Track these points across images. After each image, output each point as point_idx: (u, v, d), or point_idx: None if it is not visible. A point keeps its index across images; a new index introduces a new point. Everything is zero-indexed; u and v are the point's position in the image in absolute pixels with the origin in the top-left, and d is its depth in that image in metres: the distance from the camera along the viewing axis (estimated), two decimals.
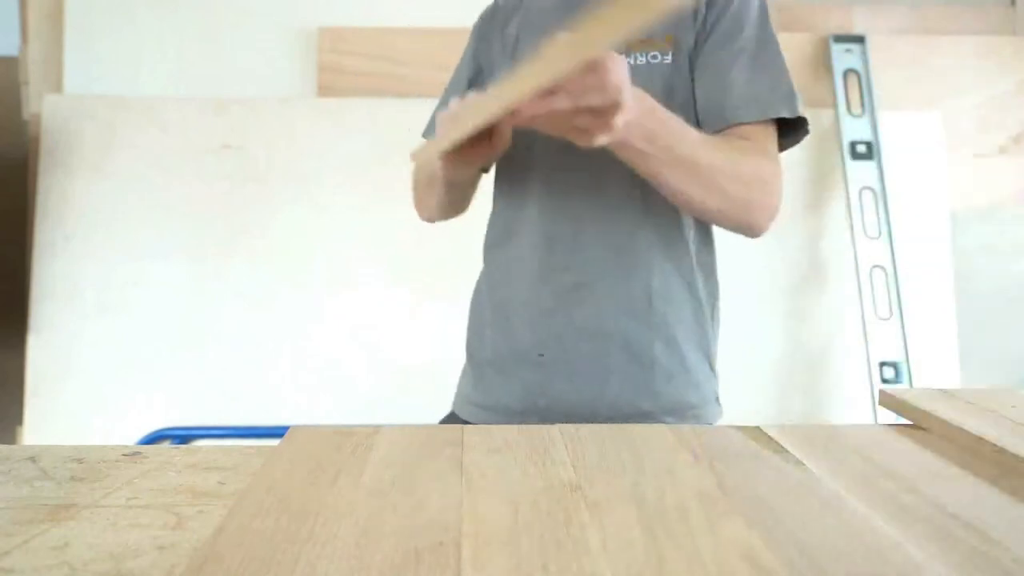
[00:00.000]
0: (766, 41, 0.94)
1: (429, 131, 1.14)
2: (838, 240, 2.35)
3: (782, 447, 0.70)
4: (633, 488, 0.59)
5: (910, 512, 0.56)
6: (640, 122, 0.77)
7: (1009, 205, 2.45)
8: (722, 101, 0.91)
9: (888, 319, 2.24)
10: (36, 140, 2.32)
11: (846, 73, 2.37)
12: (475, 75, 1.10)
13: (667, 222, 0.98)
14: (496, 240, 1.08)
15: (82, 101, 2.34)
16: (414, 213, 1.15)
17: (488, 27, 1.11)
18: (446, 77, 1.18)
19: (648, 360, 0.97)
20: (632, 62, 0.93)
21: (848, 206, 2.29)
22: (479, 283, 1.12)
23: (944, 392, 0.85)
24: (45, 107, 2.32)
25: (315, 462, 0.66)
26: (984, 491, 0.61)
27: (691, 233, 1.00)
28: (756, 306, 2.34)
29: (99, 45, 2.39)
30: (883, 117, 2.36)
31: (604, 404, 0.97)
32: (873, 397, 2.19)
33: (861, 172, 2.30)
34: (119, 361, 2.26)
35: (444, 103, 1.12)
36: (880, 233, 2.28)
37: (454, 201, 1.06)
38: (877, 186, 2.29)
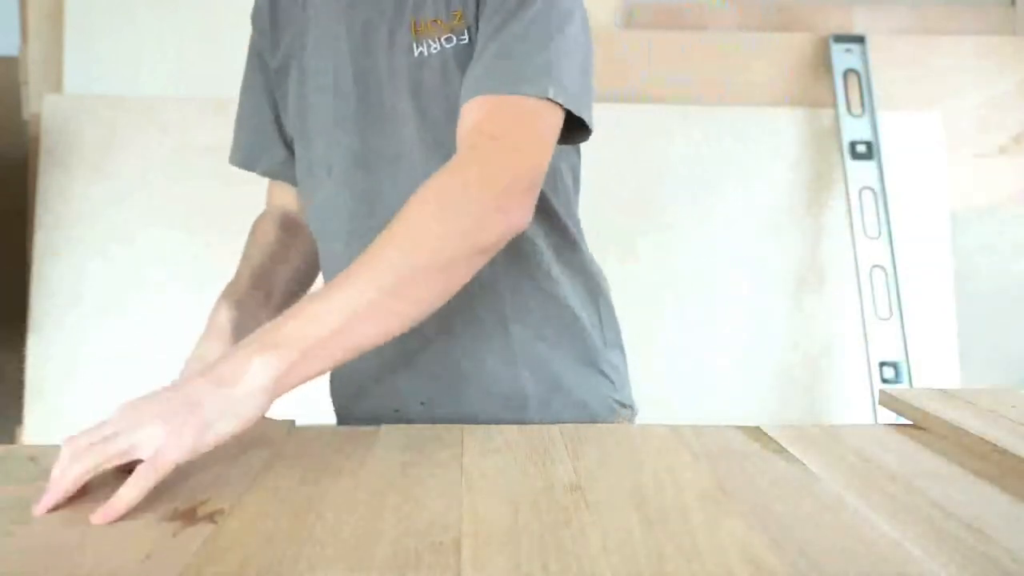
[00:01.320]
0: (550, 17, 0.77)
1: (238, 157, 1.03)
2: (838, 240, 2.35)
3: (782, 447, 0.70)
4: (633, 488, 0.60)
5: (910, 512, 0.56)
6: (284, 374, 0.63)
7: (1009, 205, 2.44)
8: (475, 74, 0.76)
9: (888, 319, 2.24)
10: (36, 140, 2.32)
11: (846, 73, 2.37)
12: (269, 78, 0.97)
13: (515, 256, 0.84)
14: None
15: (82, 101, 2.34)
16: None
17: (276, 10, 0.94)
18: None
19: (518, 396, 0.87)
20: (425, 52, 0.80)
21: (848, 206, 2.29)
22: None
23: (944, 392, 0.85)
24: (45, 107, 2.32)
25: (315, 462, 0.66)
26: (984, 491, 0.61)
27: (541, 239, 0.87)
28: (756, 306, 2.34)
29: (99, 45, 2.39)
30: (883, 117, 2.36)
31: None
32: (873, 397, 2.19)
33: (861, 172, 2.30)
34: (119, 361, 2.25)
35: (245, 118, 1.01)
36: (880, 233, 2.28)
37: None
38: (877, 186, 2.29)
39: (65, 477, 0.56)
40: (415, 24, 0.81)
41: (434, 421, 0.81)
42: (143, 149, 2.31)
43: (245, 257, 0.96)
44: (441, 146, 0.81)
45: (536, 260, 0.87)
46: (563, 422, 0.80)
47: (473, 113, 0.75)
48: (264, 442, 0.71)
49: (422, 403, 0.89)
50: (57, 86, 2.39)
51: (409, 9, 0.82)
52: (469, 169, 0.72)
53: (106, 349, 2.25)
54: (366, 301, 0.66)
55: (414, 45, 0.81)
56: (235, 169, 1.08)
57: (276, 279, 0.94)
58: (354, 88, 0.85)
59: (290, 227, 1.00)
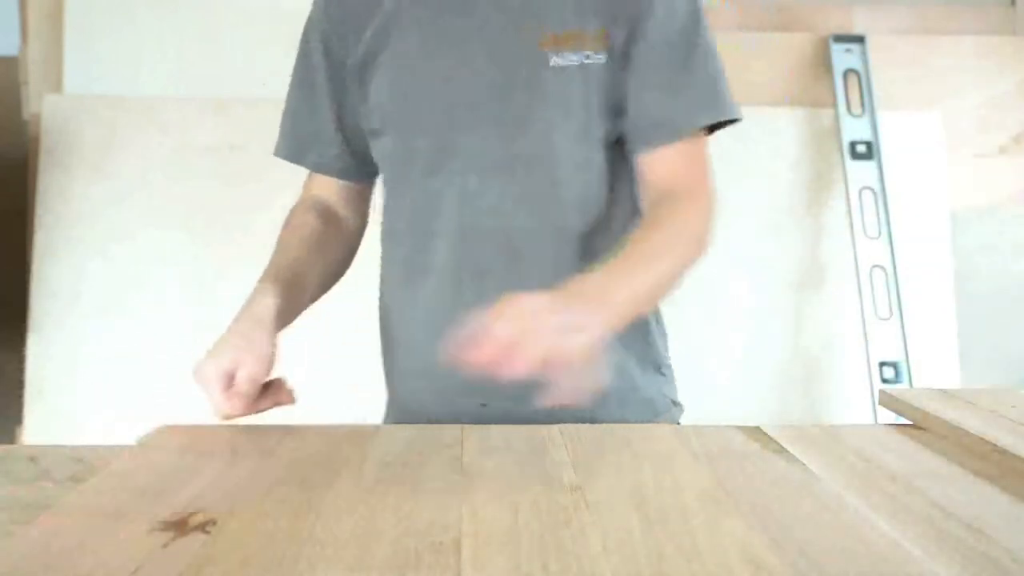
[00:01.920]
0: (695, 43, 0.85)
1: (285, 149, 1.04)
2: (838, 240, 2.35)
3: (782, 447, 0.70)
4: (633, 488, 0.60)
5: (910, 512, 0.56)
6: (614, 314, 0.73)
7: (1009, 205, 2.44)
8: (659, 113, 0.84)
9: (888, 319, 2.24)
10: (36, 140, 2.31)
11: (846, 73, 2.37)
12: (333, 71, 0.96)
13: (607, 243, 0.89)
14: (400, 281, 0.98)
15: (82, 101, 2.34)
16: None
17: (348, 6, 0.94)
18: None
19: (598, 393, 0.91)
20: (561, 62, 0.84)
21: (848, 206, 2.29)
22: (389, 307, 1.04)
23: (944, 392, 0.85)
24: (45, 107, 2.32)
25: (315, 462, 0.66)
26: (984, 491, 0.61)
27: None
28: (756, 306, 2.34)
29: (99, 45, 2.39)
30: (883, 117, 2.36)
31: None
32: (873, 397, 2.19)
33: (861, 172, 2.30)
34: (119, 361, 2.25)
35: (298, 110, 1.01)
36: (880, 233, 2.28)
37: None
38: (877, 186, 2.29)
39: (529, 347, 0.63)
40: (554, 36, 0.84)
41: (518, 420, 0.82)
42: (143, 149, 2.31)
43: (283, 246, 0.97)
44: (571, 157, 0.86)
45: None
46: (629, 421, 0.87)
47: (671, 162, 0.86)
48: (257, 449, 0.71)
49: (511, 399, 0.87)
50: (57, 86, 2.39)
51: (546, 19, 0.84)
52: (704, 203, 0.85)
53: (106, 349, 2.25)
54: (667, 264, 0.80)
55: (552, 56, 0.84)
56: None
57: (313, 271, 0.97)
58: (486, 93, 0.86)
59: (329, 218, 1.01)
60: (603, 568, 0.46)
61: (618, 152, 0.89)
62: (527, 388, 0.83)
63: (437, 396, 0.94)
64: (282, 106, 1.07)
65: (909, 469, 0.65)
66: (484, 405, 0.89)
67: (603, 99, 0.85)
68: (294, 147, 1.02)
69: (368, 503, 0.57)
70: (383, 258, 1.01)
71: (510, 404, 0.87)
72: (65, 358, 2.24)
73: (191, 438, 0.73)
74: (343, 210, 1.02)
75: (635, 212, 0.92)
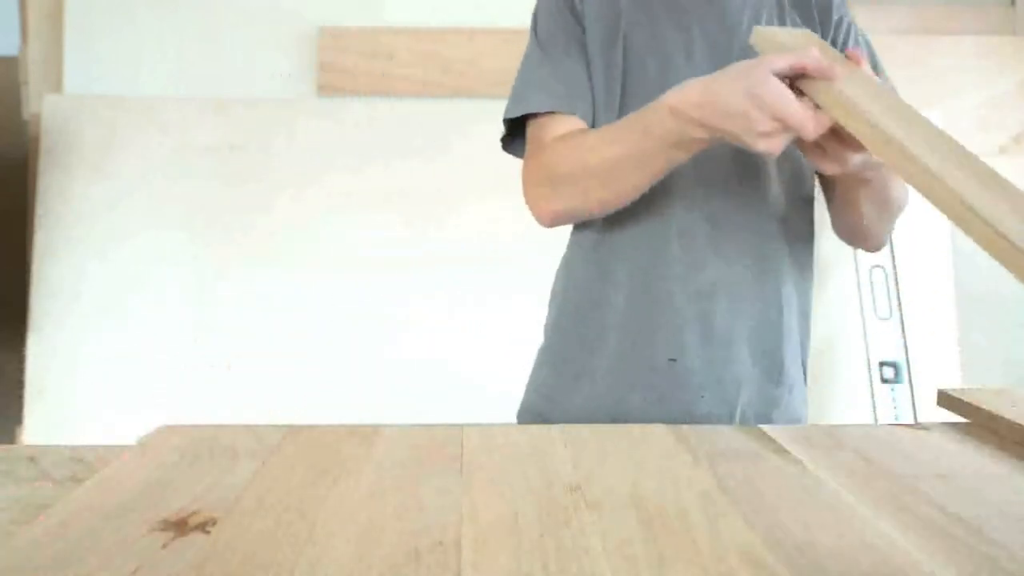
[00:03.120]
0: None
1: (518, 106, 0.96)
2: (838, 240, 2.34)
3: (782, 447, 0.70)
4: (633, 488, 0.59)
5: (910, 512, 0.56)
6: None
7: None
8: None
9: (888, 319, 2.24)
10: (36, 140, 2.32)
11: None
12: (579, 33, 0.96)
13: (800, 236, 0.98)
14: (610, 225, 0.94)
15: (82, 101, 2.34)
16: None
17: None
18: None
19: (778, 370, 0.94)
20: None
21: None
22: (581, 272, 0.98)
23: (1001, 391, 0.85)
24: (45, 107, 2.32)
25: (315, 462, 0.66)
26: (984, 491, 0.61)
27: (815, 250, 1.02)
28: None
29: (99, 45, 2.39)
30: None
31: (733, 415, 0.92)
32: (873, 397, 2.19)
33: None
34: (119, 361, 2.25)
35: (538, 65, 0.96)
36: None
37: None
38: None
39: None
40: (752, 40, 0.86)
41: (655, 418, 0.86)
42: (143, 149, 2.31)
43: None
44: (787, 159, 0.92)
45: (807, 264, 1.03)
46: (797, 411, 0.97)
47: None
48: (257, 449, 0.71)
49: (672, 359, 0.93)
50: (57, 86, 2.39)
51: (747, 26, 0.91)
52: None
53: (106, 349, 2.25)
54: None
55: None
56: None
57: None
58: None
59: None
60: (603, 568, 0.46)
61: None
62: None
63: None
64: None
65: (909, 469, 0.65)
66: (673, 360, 0.92)
67: None
68: (564, 98, 0.94)
69: (368, 503, 0.57)
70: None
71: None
72: (65, 358, 2.24)
73: (191, 438, 0.73)
74: None
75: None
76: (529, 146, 0.95)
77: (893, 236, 2.21)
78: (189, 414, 2.23)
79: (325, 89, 2.38)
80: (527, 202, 0.93)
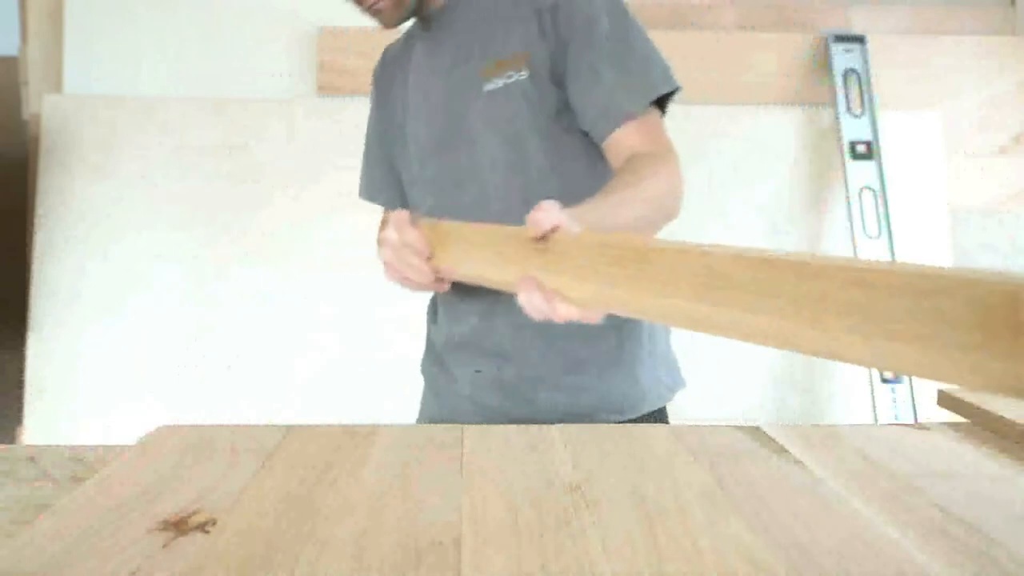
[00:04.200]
0: (624, 27, 0.93)
1: (365, 191, 1.19)
2: (838, 240, 2.35)
3: (782, 447, 0.70)
4: (633, 488, 0.59)
5: (910, 512, 0.56)
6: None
7: (1009, 205, 2.44)
8: (605, 104, 0.90)
9: None
10: (36, 140, 2.32)
11: (846, 73, 2.37)
12: (383, 126, 1.13)
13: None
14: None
15: (82, 101, 2.34)
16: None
17: (385, 74, 1.14)
18: None
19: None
20: (491, 87, 0.95)
21: (848, 206, 2.29)
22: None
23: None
24: (45, 107, 2.32)
25: (315, 462, 0.66)
26: (984, 491, 0.61)
27: None
28: None
29: (99, 45, 2.39)
30: (883, 117, 2.36)
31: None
32: (873, 397, 2.19)
33: (861, 172, 2.30)
34: (119, 361, 2.25)
35: (369, 159, 1.17)
36: (880, 233, 2.28)
37: None
38: (877, 186, 2.29)
39: None
40: (483, 68, 0.96)
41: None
42: (143, 149, 2.31)
43: None
44: (511, 166, 0.96)
45: None
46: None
47: (629, 137, 0.89)
48: (257, 449, 0.71)
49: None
50: (57, 86, 2.39)
51: (479, 55, 0.97)
52: (671, 162, 0.87)
53: (106, 349, 2.25)
54: (633, 212, 0.80)
55: (485, 83, 0.96)
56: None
57: None
58: (442, 119, 1.00)
59: None
60: (603, 568, 0.46)
61: (579, 148, 0.97)
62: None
63: None
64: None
65: (909, 469, 0.65)
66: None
67: (533, 109, 0.94)
68: (370, 190, 1.17)
69: (368, 503, 0.57)
70: None
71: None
72: (65, 358, 2.24)
73: (191, 438, 0.73)
74: None
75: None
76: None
77: (893, 236, 2.19)
78: (189, 414, 2.23)
79: (325, 89, 2.38)
80: None
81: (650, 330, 1.03)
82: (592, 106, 0.91)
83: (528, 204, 0.88)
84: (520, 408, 0.98)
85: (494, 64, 0.95)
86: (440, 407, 1.09)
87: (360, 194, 1.20)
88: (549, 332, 0.98)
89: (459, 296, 1.03)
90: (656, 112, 0.92)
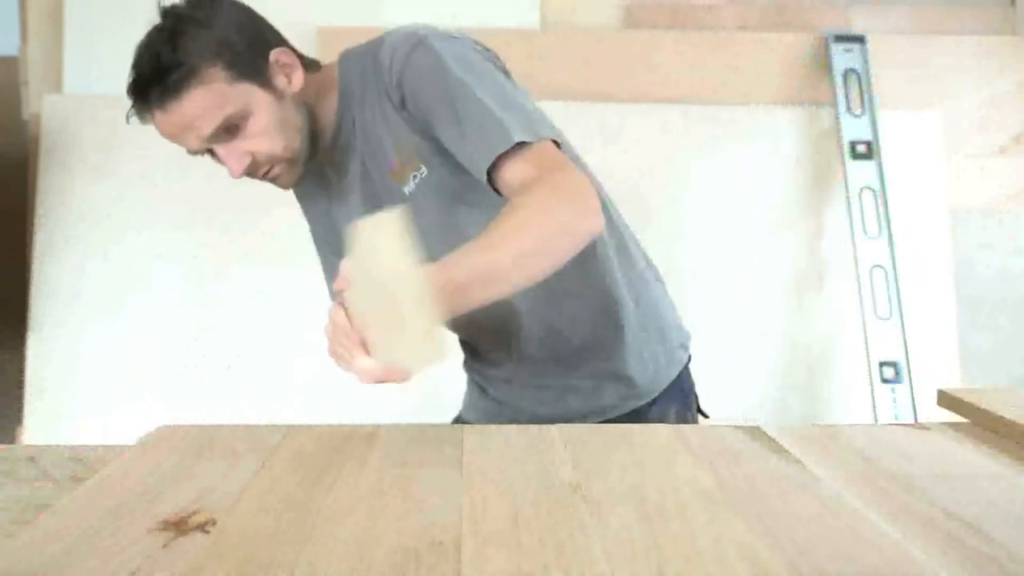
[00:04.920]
0: (465, 83, 0.88)
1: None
2: (838, 240, 2.34)
3: (782, 447, 0.70)
4: (633, 488, 0.59)
5: (910, 512, 0.56)
6: (457, 298, 0.74)
7: (1009, 205, 2.44)
8: (478, 162, 0.87)
9: (888, 319, 2.24)
10: (36, 140, 2.31)
11: (846, 73, 2.37)
12: (325, 236, 1.17)
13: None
14: None
15: (82, 101, 2.34)
16: None
17: (305, 192, 1.14)
18: None
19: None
20: (409, 189, 0.95)
21: (848, 206, 2.29)
22: None
23: (999, 389, 0.85)
24: (45, 107, 2.32)
25: (315, 462, 0.66)
26: (984, 491, 0.61)
27: (607, 249, 1.03)
28: (756, 306, 2.34)
29: (99, 45, 2.39)
30: (883, 117, 2.36)
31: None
32: (873, 397, 2.19)
33: (861, 172, 2.30)
34: (119, 361, 2.25)
35: (325, 263, 1.23)
36: (880, 233, 2.28)
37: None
38: (877, 186, 2.29)
39: None
40: (392, 173, 0.97)
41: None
42: (143, 149, 2.31)
43: None
44: (455, 246, 0.97)
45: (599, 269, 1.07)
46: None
47: (510, 171, 0.85)
48: (257, 449, 0.71)
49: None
50: (57, 86, 2.39)
51: (388, 164, 0.97)
52: (553, 188, 0.83)
53: (106, 349, 2.25)
54: (517, 245, 0.79)
55: (400, 186, 0.96)
56: None
57: None
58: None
59: None
60: (603, 568, 0.46)
61: None
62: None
63: None
64: None
65: (909, 469, 0.65)
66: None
67: (449, 192, 0.95)
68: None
69: (368, 503, 0.57)
70: None
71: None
72: (65, 358, 2.24)
73: (191, 438, 0.73)
74: None
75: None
76: None
77: (893, 236, 2.19)
78: (189, 414, 2.23)
79: None
80: None
81: (635, 315, 1.06)
82: (470, 162, 0.88)
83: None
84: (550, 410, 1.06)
85: (398, 169, 0.96)
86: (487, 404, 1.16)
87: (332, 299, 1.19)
88: (561, 372, 1.05)
89: (485, 364, 1.12)
90: (542, 146, 0.87)
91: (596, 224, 0.84)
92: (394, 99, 0.92)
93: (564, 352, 1.05)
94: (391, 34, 0.95)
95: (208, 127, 0.95)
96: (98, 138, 2.31)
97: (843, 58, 2.38)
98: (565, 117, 1.09)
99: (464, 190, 0.93)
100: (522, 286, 0.82)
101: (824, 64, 2.40)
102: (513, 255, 0.78)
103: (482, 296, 0.77)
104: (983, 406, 0.79)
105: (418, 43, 0.91)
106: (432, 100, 0.90)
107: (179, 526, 0.53)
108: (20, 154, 2.38)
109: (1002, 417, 0.75)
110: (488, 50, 0.96)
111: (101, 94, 2.37)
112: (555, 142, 0.88)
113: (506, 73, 0.96)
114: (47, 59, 2.40)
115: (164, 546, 0.50)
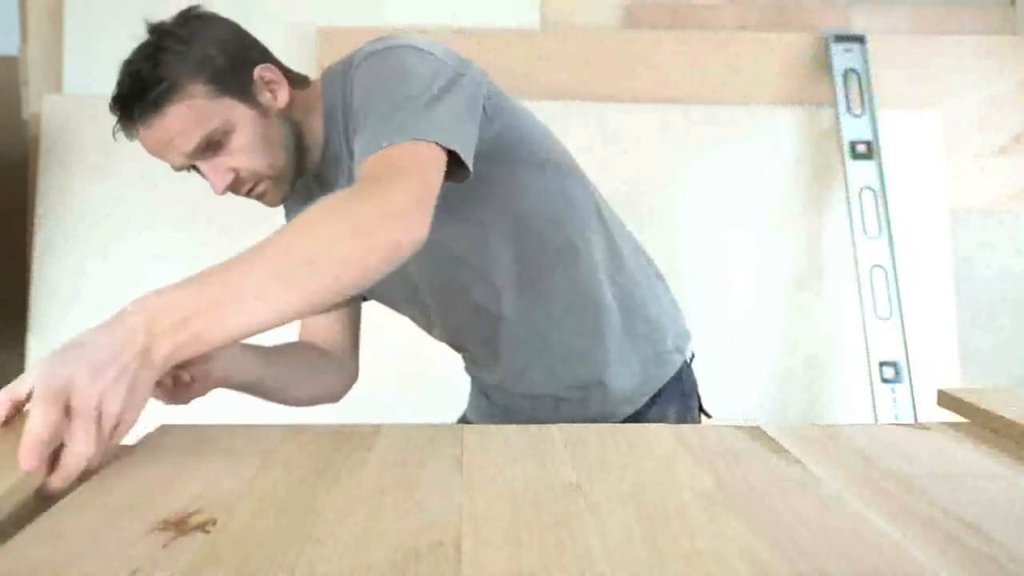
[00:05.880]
0: (382, 90, 0.85)
1: None
2: (838, 240, 2.35)
3: (782, 447, 0.70)
4: (633, 488, 0.59)
5: (910, 512, 0.56)
6: (168, 337, 0.65)
7: (1009, 205, 2.44)
8: (357, 166, 0.83)
9: (888, 319, 2.24)
10: (36, 140, 2.32)
11: (846, 73, 2.37)
12: None
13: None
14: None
15: (82, 101, 2.34)
16: None
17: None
18: None
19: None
20: None
21: (848, 206, 2.29)
22: None
23: (999, 389, 0.85)
24: (45, 107, 2.32)
25: (315, 462, 0.66)
26: (984, 491, 0.61)
27: (598, 254, 1.04)
28: (756, 306, 2.34)
29: (99, 45, 2.39)
30: (883, 117, 2.36)
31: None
32: (873, 397, 2.19)
33: (861, 172, 2.30)
34: None
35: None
36: (880, 233, 2.28)
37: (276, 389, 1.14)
38: (877, 186, 2.29)
39: None
40: None
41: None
42: (143, 149, 2.31)
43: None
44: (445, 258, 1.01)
45: (589, 271, 1.08)
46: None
47: (360, 170, 0.80)
48: (257, 449, 0.71)
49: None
50: (57, 86, 2.39)
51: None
52: (359, 193, 0.76)
53: None
54: (284, 252, 0.70)
55: None
56: None
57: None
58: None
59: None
60: (603, 568, 0.46)
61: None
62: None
63: None
64: None
65: (909, 469, 0.65)
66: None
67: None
68: None
69: (368, 503, 0.57)
70: None
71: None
72: None
73: (191, 438, 0.73)
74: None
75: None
76: None
77: (893, 236, 2.20)
78: (189, 414, 2.22)
79: None
80: None
81: (620, 321, 1.06)
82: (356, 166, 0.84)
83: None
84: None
85: None
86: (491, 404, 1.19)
87: None
88: (554, 384, 1.07)
89: (479, 368, 1.16)
90: (400, 147, 0.79)
91: (404, 234, 0.74)
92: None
93: (548, 361, 1.05)
94: (361, 48, 0.94)
95: (190, 143, 0.93)
96: (98, 138, 2.31)
97: (843, 58, 2.38)
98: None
99: (449, 204, 0.83)
100: (314, 294, 0.70)
101: (824, 64, 2.40)
102: (279, 265, 0.69)
103: (242, 318, 0.67)
104: (983, 406, 0.79)
105: (369, 54, 0.90)
106: (359, 111, 0.88)
107: (179, 526, 0.53)
108: (20, 154, 2.38)
109: (1002, 417, 0.75)
110: (466, 60, 0.91)
111: (101, 94, 2.36)
112: (452, 151, 0.81)
113: (477, 85, 0.90)
114: (47, 59, 2.40)
115: (164, 546, 0.50)
